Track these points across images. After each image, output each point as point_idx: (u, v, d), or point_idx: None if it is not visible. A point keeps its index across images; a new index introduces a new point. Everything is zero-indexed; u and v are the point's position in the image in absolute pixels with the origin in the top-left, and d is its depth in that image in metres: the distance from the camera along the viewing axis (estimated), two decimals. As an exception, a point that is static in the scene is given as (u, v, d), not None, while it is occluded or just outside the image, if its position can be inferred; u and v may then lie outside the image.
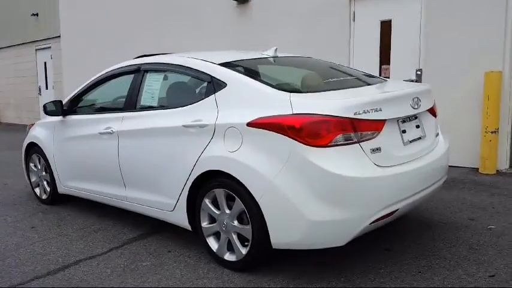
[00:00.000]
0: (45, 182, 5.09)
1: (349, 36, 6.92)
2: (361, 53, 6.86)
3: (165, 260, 3.47)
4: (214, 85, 3.31)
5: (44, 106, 4.60)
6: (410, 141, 3.16)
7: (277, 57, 3.86)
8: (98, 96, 4.55)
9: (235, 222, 3.14)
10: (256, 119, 2.94)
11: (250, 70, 3.47)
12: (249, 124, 2.96)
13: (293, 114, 2.81)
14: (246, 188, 2.96)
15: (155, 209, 3.73)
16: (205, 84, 3.41)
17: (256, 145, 2.93)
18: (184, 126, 3.36)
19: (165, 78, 3.80)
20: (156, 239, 3.90)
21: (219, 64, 3.42)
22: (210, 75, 3.36)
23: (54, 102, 4.58)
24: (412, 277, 3.00)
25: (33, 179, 5.30)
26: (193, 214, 3.44)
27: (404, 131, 3.13)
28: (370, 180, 2.76)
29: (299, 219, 2.77)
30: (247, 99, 3.10)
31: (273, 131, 2.84)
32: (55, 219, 4.60)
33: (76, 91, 4.64)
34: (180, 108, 3.48)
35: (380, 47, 6.68)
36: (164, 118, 3.55)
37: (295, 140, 2.75)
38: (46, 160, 4.90)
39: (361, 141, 2.80)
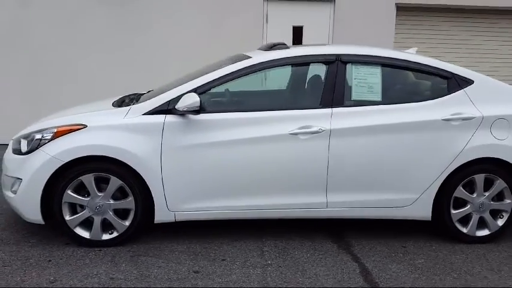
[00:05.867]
0: (111, 213, 3.46)
1: (261, 37, 7.28)
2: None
3: (431, 255, 3.55)
4: (458, 81, 3.67)
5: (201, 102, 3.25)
6: None
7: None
8: (253, 88, 3.59)
9: (491, 202, 3.70)
10: (524, 110, 3.65)
11: None
12: (519, 115, 3.63)
13: None
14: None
15: (377, 208, 3.65)
16: (443, 80, 3.70)
17: None
18: (444, 120, 3.54)
19: (384, 72, 3.65)
20: (357, 241, 3.74)
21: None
22: (451, 72, 3.69)
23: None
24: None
25: (68, 217, 3.43)
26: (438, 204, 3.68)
27: None
28: None
29: None
30: (498, 95, 3.73)
31: None
32: (194, 253, 3.37)
33: (200, 83, 3.46)
34: (422, 102, 3.62)
35: (293, 51, 7.37)
36: (406, 113, 3.56)
37: None
38: (138, 183, 3.41)
39: None
